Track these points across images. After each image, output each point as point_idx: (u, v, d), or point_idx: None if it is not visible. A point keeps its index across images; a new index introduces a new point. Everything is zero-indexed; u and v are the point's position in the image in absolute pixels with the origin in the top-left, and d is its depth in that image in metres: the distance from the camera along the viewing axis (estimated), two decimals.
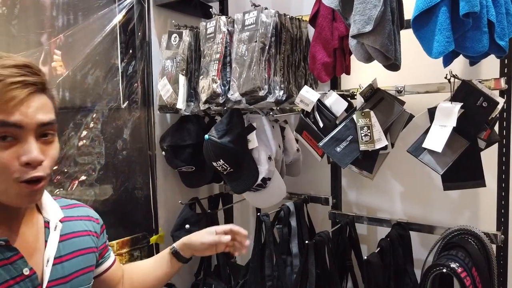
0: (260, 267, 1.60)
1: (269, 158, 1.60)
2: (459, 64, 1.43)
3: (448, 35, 1.08)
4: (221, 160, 1.54)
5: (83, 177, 1.65)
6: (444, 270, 1.20)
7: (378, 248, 1.43)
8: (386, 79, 1.42)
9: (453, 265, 1.20)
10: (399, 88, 1.41)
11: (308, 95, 1.38)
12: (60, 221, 0.88)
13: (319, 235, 1.51)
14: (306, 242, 1.47)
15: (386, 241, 1.45)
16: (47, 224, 0.86)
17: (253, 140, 1.59)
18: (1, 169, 0.70)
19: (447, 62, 1.23)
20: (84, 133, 1.67)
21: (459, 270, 1.18)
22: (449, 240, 1.38)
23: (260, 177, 1.57)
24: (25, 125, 0.71)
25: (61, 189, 1.58)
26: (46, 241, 0.84)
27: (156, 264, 1.10)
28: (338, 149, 1.29)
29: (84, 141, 1.67)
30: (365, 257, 1.37)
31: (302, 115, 1.43)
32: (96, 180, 1.70)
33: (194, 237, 1.08)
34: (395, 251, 1.45)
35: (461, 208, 1.61)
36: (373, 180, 1.40)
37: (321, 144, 1.31)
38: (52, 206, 0.89)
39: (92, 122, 1.69)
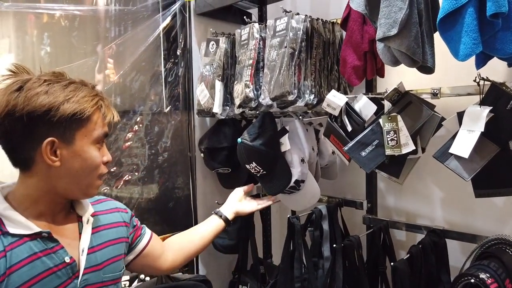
0: (290, 268, 1.62)
1: (302, 160, 1.61)
2: (500, 66, 1.35)
3: (475, 37, 1.04)
4: (253, 163, 1.58)
5: (127, 177, 1.78)
6: (472, 281, 1.15)
7: (408, 255, 1.39)
8: (426, 82, 1.38)
9: (482, 275, 1.14)
10: (435, 91, 1.37)
11: (335, 99, 1.38)
12: (91, 215, 0.99)
13: (348, 239, 1.51)
14: (334, 245, 1.47)
15: (417, 248, 1.40)
16: (80, 218, 0.98)
17: (285, 143, 1.61)
18: (96, 166, 0.94)
19: (479, 64, 1.18)
20: (129, 135, 1.79)
21: (489, 281, 1.13)
22: (485, 250, 1.32)
23: (293, 179, 1.58)
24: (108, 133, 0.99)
25: (107, 187, 1.72)
26: (80, 234, 0.95)
27: (205, 227, 1.40)
28: (363, 154, 1.28)
29: (129, 143, 1.79)
30: (392, 263, 1.35)
31: (329, 119, 1.44)
32: (139, 180, 1.81)
33: (240, 209, 1.54)
34: (427, 259, 1.41)
35: (506, 217, 1.52)
36: (402, 185, 1.37)
37: (346, 148, 1.31)
38: (83, 203, 1.00)
39: (136, 125, 1.81)
